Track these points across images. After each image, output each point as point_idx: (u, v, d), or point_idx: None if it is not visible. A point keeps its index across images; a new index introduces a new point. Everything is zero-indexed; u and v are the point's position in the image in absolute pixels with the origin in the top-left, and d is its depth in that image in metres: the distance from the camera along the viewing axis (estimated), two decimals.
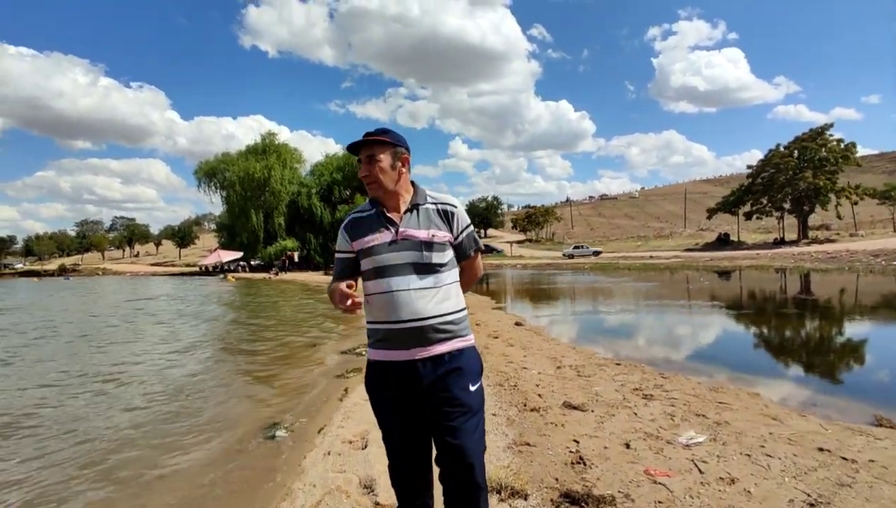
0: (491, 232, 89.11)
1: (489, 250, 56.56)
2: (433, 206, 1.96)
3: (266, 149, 54.21)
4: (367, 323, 1.96)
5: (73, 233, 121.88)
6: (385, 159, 1.91)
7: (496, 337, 8.13)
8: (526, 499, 2.82)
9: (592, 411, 4.30)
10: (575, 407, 4.39)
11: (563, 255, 51.54)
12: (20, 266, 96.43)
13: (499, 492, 2.85)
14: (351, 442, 3.90)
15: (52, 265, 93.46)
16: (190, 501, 3.34)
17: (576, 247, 54.63)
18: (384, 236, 1.89)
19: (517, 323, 9.81)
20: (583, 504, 2.70)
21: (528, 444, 3.61)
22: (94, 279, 60.13)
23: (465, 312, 1.95)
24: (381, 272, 1.87)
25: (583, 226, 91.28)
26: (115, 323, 13.72)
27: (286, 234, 52.80)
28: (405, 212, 1.93)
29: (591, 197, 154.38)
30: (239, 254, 53.36)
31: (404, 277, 1.84)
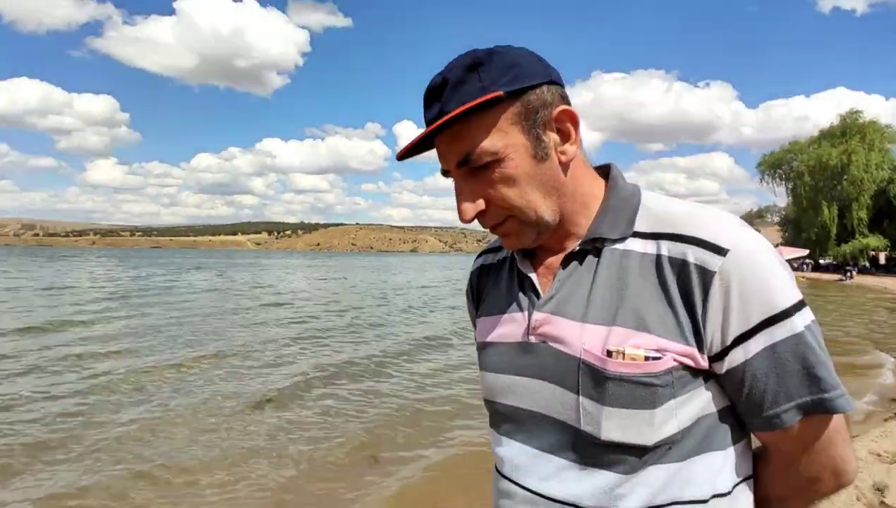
0: None
1: None
2: (651, 245, 0.63)
3: (846, 132, 48.08)
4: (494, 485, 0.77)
5: None
6: (516, 149, 0.63)
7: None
8: None
9: None
10: None
11: None
12: None
13: None
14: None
15: None
16: None
17: None
18: (507, 326, 0.72)
19: None
20: None
21: None
22: None
23: None
24: (498, 417, 0.73)
25: None
26: None
27: (868, 230, 46.03)
28: (565, 259, 0.69)
29: None
30: (804, 252, 49.97)
31: (540, 455, 0.66)
